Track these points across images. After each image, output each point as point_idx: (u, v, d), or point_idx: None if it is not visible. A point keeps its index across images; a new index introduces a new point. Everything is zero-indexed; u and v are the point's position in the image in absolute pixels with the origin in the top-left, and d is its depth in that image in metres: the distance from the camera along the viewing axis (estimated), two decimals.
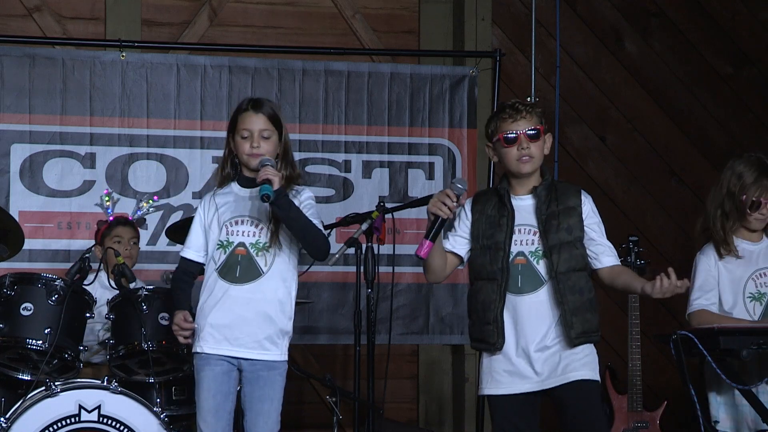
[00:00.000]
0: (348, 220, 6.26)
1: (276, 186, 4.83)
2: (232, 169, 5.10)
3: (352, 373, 6.29)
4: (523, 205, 4.89)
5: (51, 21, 7.51)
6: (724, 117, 8.37)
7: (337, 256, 5.88)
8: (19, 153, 7.03)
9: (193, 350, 5.05)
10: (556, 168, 7.63)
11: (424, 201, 6.57)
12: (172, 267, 6.83)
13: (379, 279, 6.13)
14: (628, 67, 8.27)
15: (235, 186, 5.09)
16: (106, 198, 6.66)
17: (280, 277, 5.00)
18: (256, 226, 5.00)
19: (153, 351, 5.71)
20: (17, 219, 6.19)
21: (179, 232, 6.46)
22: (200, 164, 7.24)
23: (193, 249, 5.10)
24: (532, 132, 4.85)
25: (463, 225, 4.95)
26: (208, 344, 4.99)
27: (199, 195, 7.16)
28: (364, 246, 6.07)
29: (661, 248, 8.14)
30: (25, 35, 7.33)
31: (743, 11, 8.43)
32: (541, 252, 4.82)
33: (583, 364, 4.80)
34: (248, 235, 4.99)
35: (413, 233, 7.44)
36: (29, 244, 6.52)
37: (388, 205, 6.24)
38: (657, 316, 7.90)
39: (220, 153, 7.05)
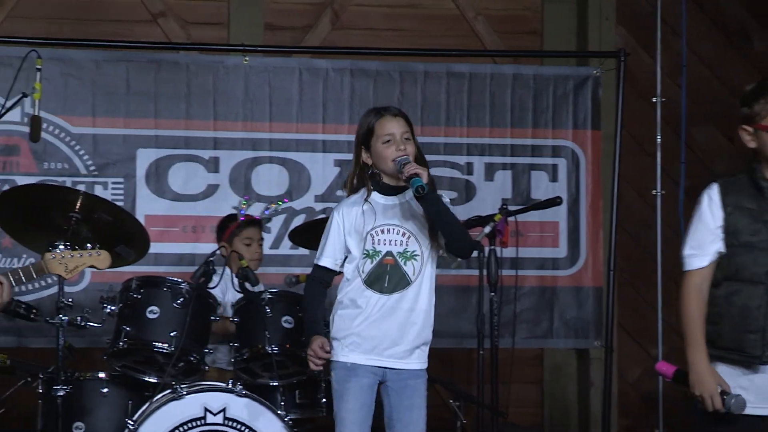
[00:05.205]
0: (470, 223, 6.20)
1: (425, 180, 4.72)
2: (371, 181, 4.92)
3: (475, 377, 6.25)
4: None
5: (175, 26, 7.60)
6: None
7: (459, 259, 5.85)
8: (144, 158, 7.11)
9: (334, 358, 4.90)
10: (683, 169, 7.46)
11: (547, 204, 6.50)
12: (296, 270, 6.91)
13: (503, 282, 6.08)
14: (756, 66, 8.09)
15: (376, 195, 4.93)
16: (244, 203, 6.66)
17: (426, 286, 4.91)
18: (403, 234, 4.89)
19: (276, 354, 5.72)
20: (143, 223, 6.25)
21: (302, 236, 6.50)
22: (322, 167, 7.25)
23: (332, 258, 4.96)
24: None
25: (716, 220, 4.42)
26: (355, 354, 4.88)
27: (321, 198, 7.18)
28: (486, 249, 6.02)
29: None
30: (150, 41, 7.42)
31: None
32: None
33: None
34: (396, 244, 4.88)
35: (536, 236, 7.37)
36: (155, 247, 6.56)
37: (511, 208, 6.18)
38: None
39: (342, 156, 7.19)
